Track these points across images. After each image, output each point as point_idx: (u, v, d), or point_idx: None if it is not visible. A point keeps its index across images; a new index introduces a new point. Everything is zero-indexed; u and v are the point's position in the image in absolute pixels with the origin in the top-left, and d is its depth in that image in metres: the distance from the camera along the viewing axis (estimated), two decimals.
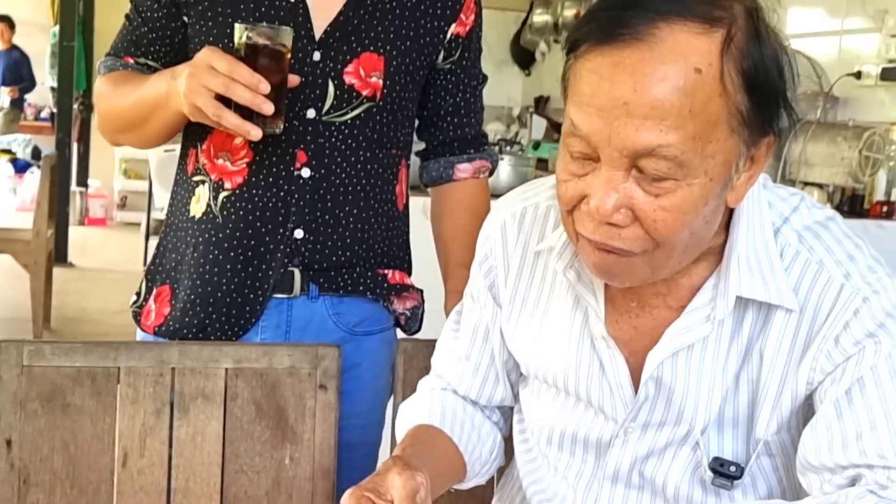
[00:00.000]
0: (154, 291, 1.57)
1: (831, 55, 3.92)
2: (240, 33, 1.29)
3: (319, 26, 1.45)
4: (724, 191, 0.98)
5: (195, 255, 1.51)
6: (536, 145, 4.96)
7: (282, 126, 1.34)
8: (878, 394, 0.99)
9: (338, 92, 1.45)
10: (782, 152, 3.11)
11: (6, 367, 1.37)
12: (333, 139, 1.47)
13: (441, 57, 1.55)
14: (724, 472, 1.07)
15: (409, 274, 1.63)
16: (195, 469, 1.42)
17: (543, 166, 4.49)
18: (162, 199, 6.81)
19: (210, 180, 1.49)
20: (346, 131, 1.47)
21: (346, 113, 1.47)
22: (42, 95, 9.57)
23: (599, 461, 1.16)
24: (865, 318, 1.00)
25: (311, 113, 1.45)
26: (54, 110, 8.01)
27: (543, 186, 1.21)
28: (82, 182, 8.33)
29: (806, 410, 1.06)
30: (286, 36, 1.31)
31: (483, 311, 1.25)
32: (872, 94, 3.69)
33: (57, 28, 7.67)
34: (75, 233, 7.21)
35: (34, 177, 6.72)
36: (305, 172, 1.46)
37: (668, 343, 1.07)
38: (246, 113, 1.29)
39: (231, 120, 1.28)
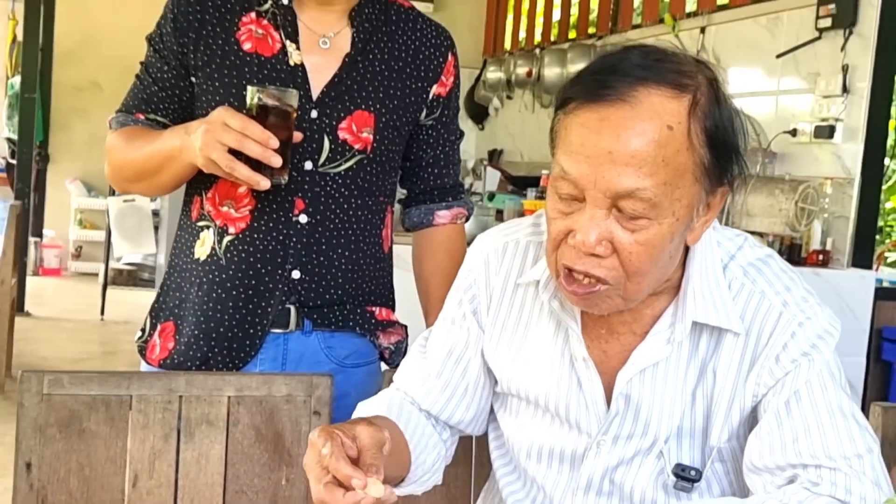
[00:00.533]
0: (158, 327, 1.69)
1: (769, 113, 4.17)
2: (251, 95, 1.44)
3: (316, 87, 1.61)
4: (686, 231, 1.16)
5: (199, 293, 1.64)
6: (491, 196, 5.15)
7: (286, 177, 1.48)
8: (811, 404, 1.17)
9: (332, 146, 1.61)
10: (726, 203, 3.31)
11: (28, 395, 1.48)
12: (328, 188, 1.62)
13: (423, 114, 1.71)
14: (685, 477, 1.23)
15: (394, 310, 1.78)
16: (200, 489, 1.54)
17: (501, 216, 4.68)
18: (120, 248, 6.87)
19: (215, 225, 1.63)
20: (340, 181, 1.62)
21: (340, 164, 1.62)
22: None
23: (574, 472, 1.32)
24: (800, 339, 1.19)
25: (308, 164, 1.60)
26: (10, 161, 8.04)
27: (522, 225, 1.38)
28: (37, 232, 8.32)
29: (752, 420, 1.23)
30: (293, 97, 1.46)
31: (462, 333, 1.38)
32: (807, 150, 3.92)
33: (15, 80, 7.74)
34: (30, 283, 7.20)
35: None
36: (303, 218, 1.61)
37: (635, 363, 1.24)
38: (255, 165, 1.43)
39: (243, 172, 1.42)
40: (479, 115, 7.48)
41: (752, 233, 3.39)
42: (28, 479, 1.47)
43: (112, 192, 7.24)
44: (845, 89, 3.75)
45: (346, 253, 1.65)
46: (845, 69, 3.76)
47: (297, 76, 1.60)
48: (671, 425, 1.25)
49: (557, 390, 1.30)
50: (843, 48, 3.79)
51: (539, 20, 6.91)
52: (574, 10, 6.48)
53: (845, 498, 1.12)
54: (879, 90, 3.69)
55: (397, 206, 1.81)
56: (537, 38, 6.87)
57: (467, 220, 1.83)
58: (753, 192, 3.30)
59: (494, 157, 7.09)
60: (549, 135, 1.20)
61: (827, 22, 3.85)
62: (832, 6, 3.83)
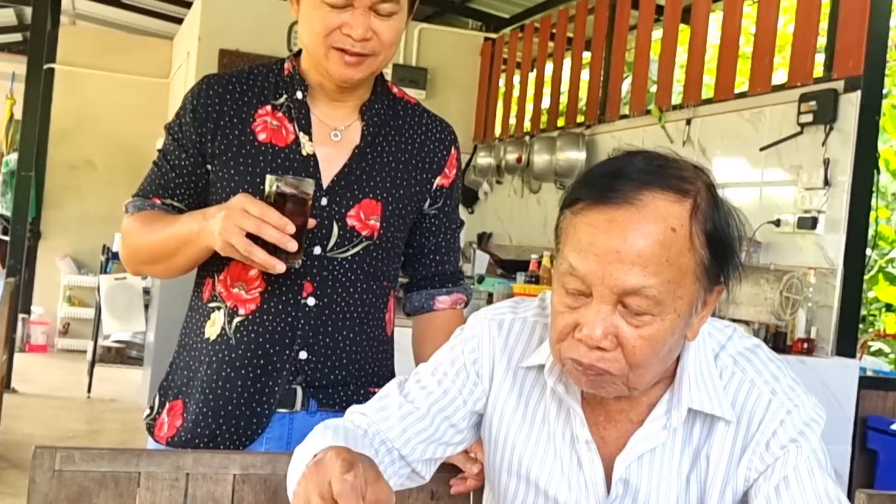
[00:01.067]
0: (167, 405, 1.74)
1: (753, 203, 4.28)
2: (270, 183, 1.51)
3: (327, 176, 1.68)
4: (686, 326, 1.22)
5: (208, 372, 1.69)
6: (481, 279, 5.22)
7: (300, 261, 1.54)
8: (800, 489, 1.22)
9: (341, 232, 1.68)
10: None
11: (40, 472, 1.52)
12: (336, 272, 1.68)
13: (427, 204, 1.78)
14: None
15: None
16: None
17: (490, 299, 4.74)
18: (109, 325, 6.87)
19: (226, 307, 1.69)
20: (347, 265, 1.69)
21: (348, 250, 1.69)
22: None
23: None
24: (789, 426, 1.25)
25: (317, 250, 1.67)
26: (2, 237, 8.08)
27: (530, 305, 1.44)
28: (25, 309, 8.33)
29: None
30: (309, 186, 1.53)
31: (457, 384, 1.40)
32: (791, 240, 4.02)
33: (11, 157, 7.84)
34: (17, 359, 7.18)
35: None
36: (311, 301, 1.67)
37: (633, 448, 1.29)
38: (271, 250, 1.49)
39: (260, 256, 1.48)
40: (469, 198, 7.60)
41: (739, 321, 3.47)
42: None
43: (103, 270, 7.29)
44: (827, 182, 3.87)
45: (351, 335, 1.71)
46: (826, 163, 3.89)
47: (309, 166, 1.67)
48: None
49: (560, 471, 1.34)
50: (824, 143, 3.92)
51: (528, 108, 7.09)
52: (563, 100, 6.65)
53: None
54: (860, 183, 3.81)
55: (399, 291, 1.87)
56: (527, 125, 7.04)
57: (466, 305, 1.89)
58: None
59: (483, 240, 7.19)
60: (554, 231, 1.27)
61: (808, 118, 3.99)
62: (813, 103, 3.98)
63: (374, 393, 1.74)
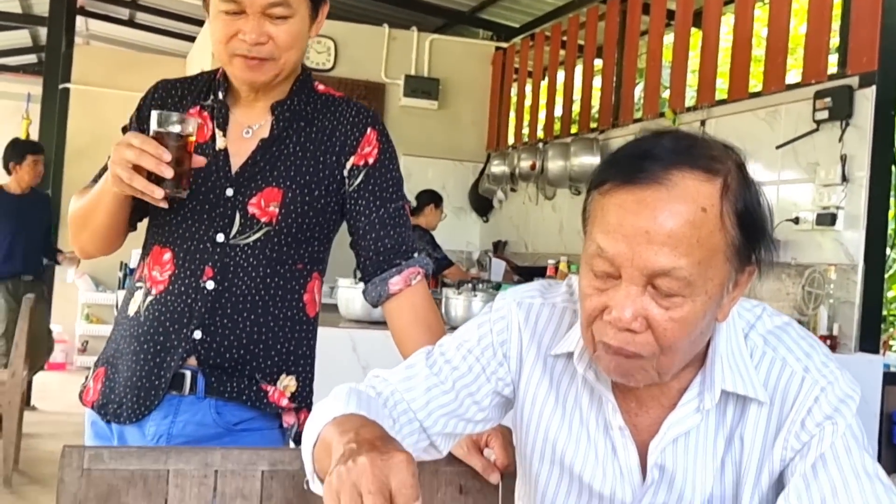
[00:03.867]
0: (94, 371, 1.84)
1: (770, 201, 4.25)
2: (154, 119, 1.63)
3: (235, 167, 1.77)
4: (716, 308, 1.21)
5: (122, 345, 1.80)
6: (498, 286, 5.21)
7: (186, 193, 1.64)
8: (837, 467, 1.21)
9: (242, 220, 1.75)
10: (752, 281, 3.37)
11: (68, 471, 1.52)
12: (238, 258, 1.75)
13: (347, 184, 1.80)
14: None
15: (310, 378, 1.84)
16: None
17: None
18: None
19: (145, 287, 1.79)
20: (249, 251, 1.76)
21: (249, 237, 1.75)
22: None
23: None
24: (823, 403, 1.23)
25: (220, 237, 1.75)
26: None
27: (559, 290, 1.43)
28: None
29: (780, 485, 1.27)
30: (190, 125, 1.64)
31: (482, 360, 1.39)
32: (810, 237, 4.00)
33: None
34: (36, 377, 7.20)
35: None
36: (210, 285, 1.75)
37: (667, 433, 1.28)
38: (154, 180, 1.59)
39: (139, 183, 1.58)
40: (484, 207, 7.62)
41: None
42: None
43: (121, 287, 7.31)
44: (844, 178, 3.85)
45: (252, 317, 1.76)
46: (843, 159, 3.88)
47: (220, 159, 1.77)
48: (704, 494, 1.28)
49: (594, 458, 1.33)
50: (840, 139, 3.91)
51: (541, 115, 7.09)
52: (576, 106, 6.66)
53: None
54: (878, 178, 3.80)
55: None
56: (540, 132, 7.05)
57: (427, 277, 1.85)
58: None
59: (499, 248, 7.19)
60: (581, 214, 1.26)
61: (824, 114, 3.98)
62: (828, 100, 3.96)
63: (266, 392, 1.77)
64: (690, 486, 1.29)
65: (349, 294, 3.81)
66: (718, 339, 1.27)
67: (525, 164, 6.76)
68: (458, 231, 7.60)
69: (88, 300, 8.71)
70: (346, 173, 1.80)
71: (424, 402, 1.37)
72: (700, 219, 1.14)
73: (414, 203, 6.33)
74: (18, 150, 6.44)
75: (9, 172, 6.39)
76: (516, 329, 1.40)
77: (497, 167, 7.25)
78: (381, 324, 3.66)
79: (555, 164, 6.35)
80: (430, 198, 6.58)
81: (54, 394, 7.40)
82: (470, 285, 3.96)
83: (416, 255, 1.85)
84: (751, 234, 1.19)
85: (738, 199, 1.17)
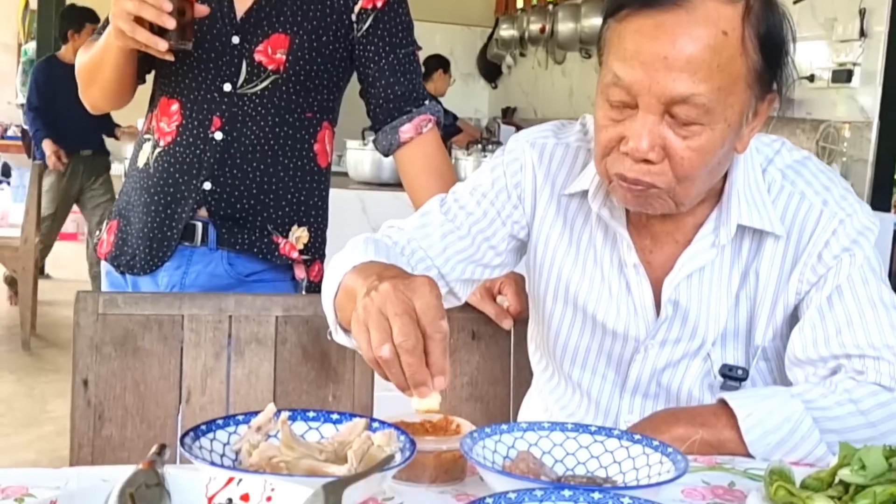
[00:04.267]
0: (108, 224, 1.85)
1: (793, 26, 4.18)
2: None
3: (240, 12, 1.72)
4: (736, 138, 1.18)
5: (134, 197, 1.80)
6: None
7: (190, 45, 1.61)
8: (853, 297, 1.21)
9: (249, 68, 1.72)
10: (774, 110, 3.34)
11: (84, 315, 1.53)
12: (246, 108, 1.73)
13: (356, 29, 1.76)
14: (732, 376, 1.28)
15: (322, 229, 1.83)
16: (250, 406, 1.58)
17: None
18: None
19: (153, 139, 1.78)
20: (257, 100, 1.73)
21: (256, 85, 1.73)
22: (7, 114, 9.61)
23: (619, 376, 1.36)
24: (841, 236, 1.22)
25: (227, 87, 1.72)
26: (25, 127, 8.08)
27: (573, 129, 1.40)
28: None
29: (795, 319, 1.27)
30: None
31: (496, 206, 1.37)
32: (825, 95, 3.94)
33: (29, 45, 7.77)
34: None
35: (4, 193, 6.79)
36: (218, 135, 1.73)
37: (682, 268, 1.28)
38: (156, 31, 1.55)
39: (141, 35, 1.55)
40: (492, 73, 7.50)
41: None
42: (85, 396, 1.52)
43: None
44: (862, 33, 3.76)
45: (262, 167, 1.75)
46: (862, 13, 3.78)
47: (224, 5, 1.73)
48: (717, 328, 1.29)
49: (608, 296, 1.33)
50: None
51: None
52: None
53: (890, 385, 1.16)
54: None
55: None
56: None
57: (438, 126, 1.83)
58: (775, 132, 3.31)
59: (508, 114, 7.12)
60: (596, 45, 1.23)
61: None
62: None
63: (277, 244, 1.76)
64: (704, 322, 1.29)
65: (358, 156, 3.79)
66: (736, 174, 1.25)
67: (535, 27, 6.63)
68: (466, 98, 7.50)
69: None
70: (354, 17, 1.75)
71: (441, 248, 1.36)
72: (721, 43, 1.11)
73: (422, 69, 6.23)
74: (76, 17, 5.79)
75: (65, 41, 5.80)
76: (530, 170, 1.38)
77: (506, 31, 7.11)
78: (390, 185, 3.65)
79: (565, 27, 6.22)
80: (438, 63, 6.47)
81: (68, 263, 7.46)
82: (479, 145, 3.93)
83: (426, 101, 1.82)
84: (773, 60, 1.16)
85: (761, 22, 1.13)
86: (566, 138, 1.39)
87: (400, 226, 1.40)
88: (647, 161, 1.15)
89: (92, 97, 1.81)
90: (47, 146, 5.49)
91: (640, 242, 1.32)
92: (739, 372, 1.28)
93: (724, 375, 1.29)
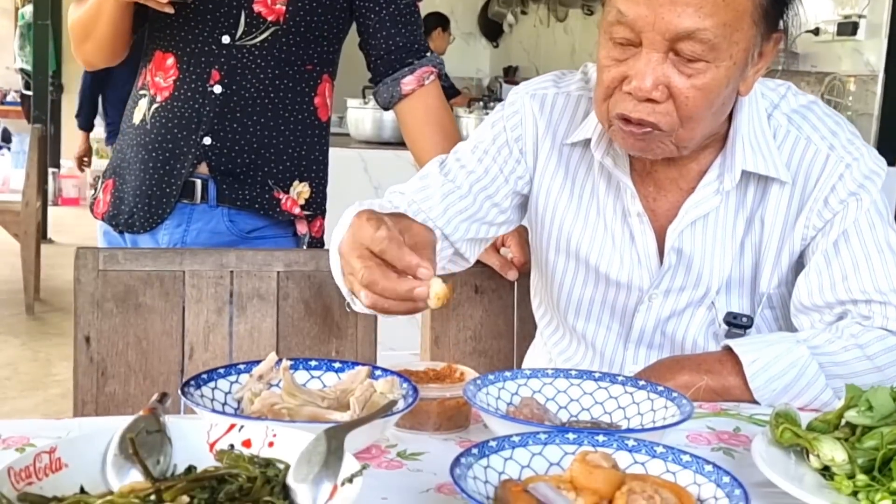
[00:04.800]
0: (104, 183, 1.82)
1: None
2: None
3: None
4: (740, 78, 1.16)
5: (130, 154, 1.77)
6: None
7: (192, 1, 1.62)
8: (860, 242, 1.19)
9: (248, 20, 1.68)
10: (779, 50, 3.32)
11: (84, 272, 1.52)
12: (245, 60, 1.70)
13: None
14: (737, 324, 1.27)
15: (324, 184, 1.81)
16: None
17: None
18: None
19: (149, 94, 1.74)
20: (257, 52, 1.70)
21: (256, 37, 1.69)
22: (6, 79, 9.55)
23: (624, 327, 1.35)
24: (848, 180, 1.21)
25: (226, 39, 1.69)
26: (24, 92, 8.04)
27: (573, 78, 1.38)
28: (55, 163, 8.35)
29: (800, 266, 1.26)
30: None
31: (498, 163, 1.36)
32: (829, 48, 3.89)
33: (26, 9, 7.70)
34: (51, 212, 7.28)
35: (5, 158, 6.75)
36: (217, 89, 1.70)
37: (686, 215, 1.26)
38: None
39: None
40: (493, 32, 7.43)
41: None
42: (88, 353, 1.52)
43: None
44: None
45: (262, 120, 1.72)
46: None
47: None
48: (722, 276, 1.28)
49: (611, 246, 1.32)
50: None
51: None
52: None
53: None
54: None
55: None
56: None
57: (440, 78, 1.80)
58: None
59: (510, 73, 7.06)
60: None
61: None
62: None
63: (279, 200, 1.74)
64: (708, 270, 1.28)
65: (359, 114, 3.76)
66: (740, 119, 1.23)
67: None
68: (467, 57, 7.44)
69: (97, 135, 8.63)
70: None
71: (442, 209, 1.34)
72: None
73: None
74: None
75: None
76: (531, 121, 1.36)
77: None
78: (391, 144, 3.63)
79: None
80: (438, 21, 6.40)
81: (70, 227, 7.47)
82: (481, 103, 3.90)
83: (428, 53, 1.79)
84: None
85: None
86: (567, 87, 1.37)
87: (401, 190, 1.38)
88: (650, 100, 1.13)
89: (86, 53, 1.77)
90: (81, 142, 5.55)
91: (644, 190, 1.30)
92: (744, 320, 1.27)
93: (728, 323, 1.28)
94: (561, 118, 1.36)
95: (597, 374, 1.05)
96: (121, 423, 0.80)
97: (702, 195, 1.26)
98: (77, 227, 7.62)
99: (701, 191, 1.26)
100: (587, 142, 1.31)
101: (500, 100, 5.20)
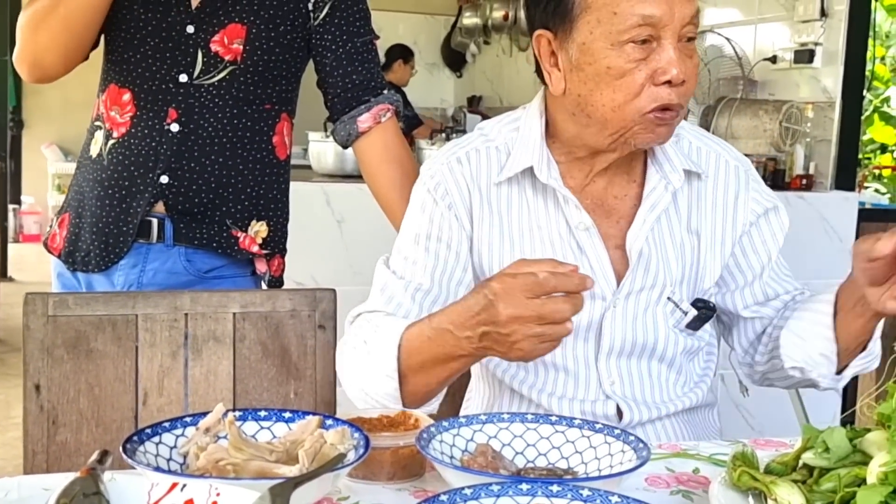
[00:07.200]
0: (59, 218, 1.79)
1: (748, 42, 4.17)
2: None
3: (195, 1, 1.68)
4: None
5: (86, 189, 1.74)
6: None
7: None
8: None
9: (205, 59, 1.68)
10: (710, 126, 3.34)
11: (33, 317, 1.49)
12: (203, 99, 1.69)
13: (312, 18, 1.73)
14: (707, 307, 1.37)
15: (283, 223, 1.80)
16: (209, 405, 1.52)
17: None
18: None
19: (105, 128, 1.72)
20: (214, 91, 1.69)
21: (213, 76, 1.68)
22: None
23: (591, 343, 1.36)
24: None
25: (183, 77, 1.68)
26: None
27: (470, 138, 1.42)
28: (15, 199, 8.26)
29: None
30: None
31: (444, 237, 1.37)
32: (787, 76, 3.93)
33: None
34: (11, 249, 7.18)
35: None
36: (175, 127, 1.68)
37: (640, 219, 1.34)
38: None
39: None
40: (457, 62, 7.47)
41: None
42: (38, 401, 1.48)
43: None
44: (823, 13, 3.76)
45: (220, 160, 1.71)
46: None
47: None
48: (677, 270, 1.36)
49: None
50: None
51: None
52: None
53: None
54: (857, 11, 3.70)
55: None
56: None
57: (397, 116, 1.80)
58: (738, 114, 3.31)
59: (474, 103, 7.09)
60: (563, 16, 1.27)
61: None
62: None
63: (237, 238, 1.72)
64: (664, 268, 1.35)
65: (320, 147, 3.73)
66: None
67: (498, 14, 6.59)
68: (431, 88, 7.46)
69: (58, 170, 8.56)
70: (310, 6, 1.72)
71: (417, 309, 1.35)
72: None
73: (383, 59, 6.19)
74: None
75: None
76: (453, 183, 1.38)
77: (469, 19, 7.06)
78: (354, 177, 3.60)
79: None
80: (400, 52, 6.43)
81: (31, 265, 7.36)
82: (443, 135, 3.89)
83: (384, 91, 1.78)
84: None
85: None
86: (471, 145, 1.41)
87: (367, 309, 1.37)
88: (682, 83, 1.23)
89: (37, 45, 1.62)
90: None
91: (584, 202, 1.36)
92: (711, 304, 1.38)
93: (696, 307, 1.36)
94: (479, 167, 1.38)
95: (553, 418, 1.04)
96: (62, 480, 0.78)
97: (652, 199, 1.34)
98: (38, 264, 7.50)
99: (649, 196, 1.34)
100: (517, 176, 1.35)
101: (464, 131, 5.22)
